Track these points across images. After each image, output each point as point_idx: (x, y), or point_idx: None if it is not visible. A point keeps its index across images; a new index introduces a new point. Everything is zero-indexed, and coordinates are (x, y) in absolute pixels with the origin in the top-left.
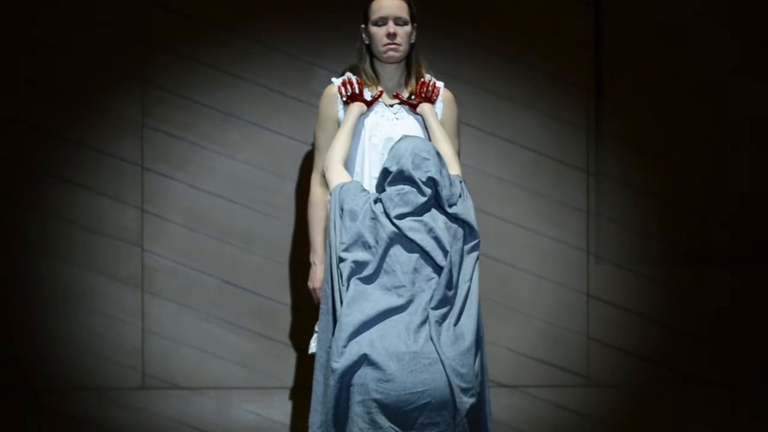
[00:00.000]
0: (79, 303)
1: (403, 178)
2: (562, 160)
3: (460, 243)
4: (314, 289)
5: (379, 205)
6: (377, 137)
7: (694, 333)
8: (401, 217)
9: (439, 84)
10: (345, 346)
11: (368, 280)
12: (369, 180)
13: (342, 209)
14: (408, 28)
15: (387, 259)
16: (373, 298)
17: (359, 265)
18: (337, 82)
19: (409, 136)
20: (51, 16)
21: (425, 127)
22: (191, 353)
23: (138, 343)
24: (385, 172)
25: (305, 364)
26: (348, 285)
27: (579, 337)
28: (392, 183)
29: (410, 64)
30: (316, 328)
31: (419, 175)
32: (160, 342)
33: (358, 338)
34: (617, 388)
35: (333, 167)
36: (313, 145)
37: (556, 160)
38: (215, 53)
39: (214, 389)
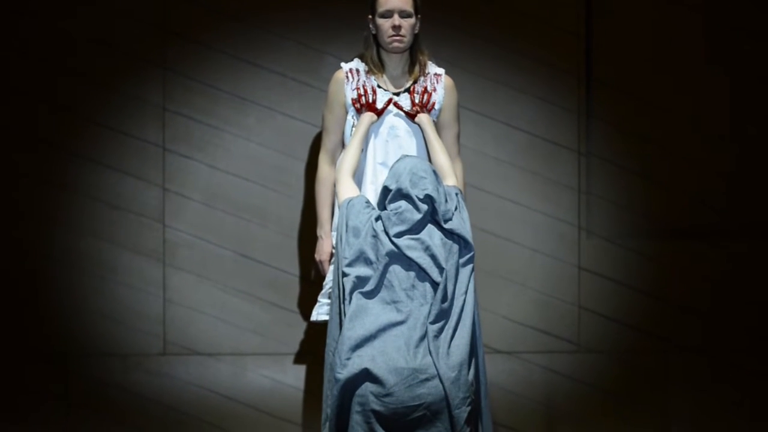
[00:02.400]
0: (104, 275)
1: (401, 195)
2: (554, 142)
3: (455, 257)
4: (321, 261)
5: (379, 223)
6: (381, 125)
7: (678, 303)
8: (399, 235)
9: (440, 71)
10: (348, 359)
11: (369, 294)
12: (373, 166)
13: (347, 225)
14: (412, 20)
15: (387, 275)
16: (374, 313)
17: (361, 280)
18: (345, 67)
19: (407, 156)
20: (80, 9)
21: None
22: (209, 321)
23: (160, 312)
24: (385, 190)
25: (315, 331)
26: (350, 299)
27: (571, 307)
28: (392, 200)
29: (414, 53)
30: (320, 298)
31: (416, 193)
32: (180, 311)
33: (360, 352)
34: (606, 354)
35: (342, 180)
36: (321, 126)
37: (550, 141)
38: (232, 42)
39: (231, 355)
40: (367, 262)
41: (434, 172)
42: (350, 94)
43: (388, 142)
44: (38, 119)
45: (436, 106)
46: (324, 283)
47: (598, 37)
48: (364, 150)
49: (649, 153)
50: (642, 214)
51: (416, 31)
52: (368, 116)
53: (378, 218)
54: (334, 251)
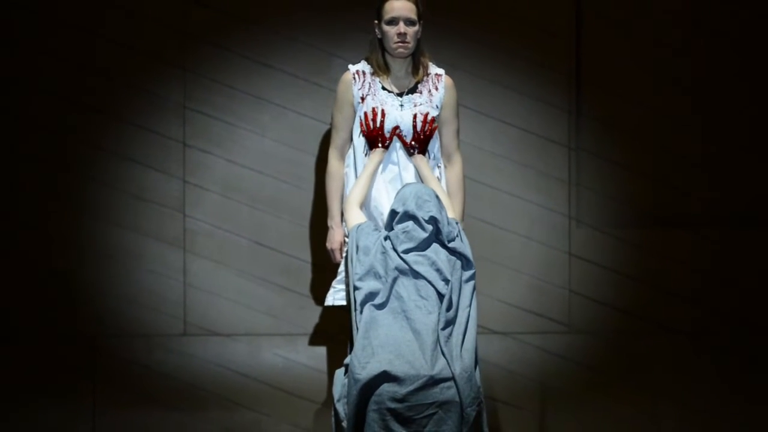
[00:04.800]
0: (129, 261)
1: (407, 217)
2: (546, 137)
3: (459, 272)
4: (332, 250)
5: (388, 241)
6: (387, 126)
7: (662, 287)
8: (407, 251)
9: (441, 71)
10: (368, 362)
11: (380, 306)
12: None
13: (358, 246)
14: (416, 27)
15: (396, 288)
16: (386, 323)
17: (372, 293)
18: (352, 68)
19: (412, 183)
20: (107, 15)
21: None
22: (227, 304)
23: (180, 296)
24: (392, 213)
25: (325, 314)
26: (362, 310)
27: (562, 291)
28: (399, 222)
29: (416, 56)
30: (334, 284)
31: (422, 215)
32: (199, 295)
33: (378, 357)
34: (595, 335)
35: (350, 209)
36: (331, 124)
37: (542, 137)
38: (247, 45)
39: (247, 336)
40: (377, 276)
41: (437, 196)
42: (357, 94)
43: (395, 140)
44: (68, 117)
45: (438, 104)
46: (339, 271)
47: (587, 41)
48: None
49: (634, 148)
50: (628, 204)
51: (419, 37)
52: (379, 152)
53: (386, 238)
54: (346, 245)
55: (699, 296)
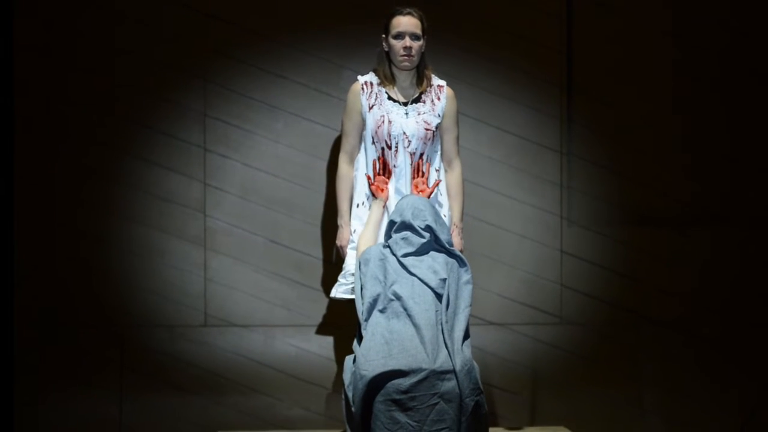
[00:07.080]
0: (154, 258)
1: (405, 226)
2: (540, 143)
3: (456, 273)
4: (341, 247)
5: (387, 249)
6: (392, 137)
7: (646, 281)
8: (406, 256)
9: (442, 83)
10: (373, 359)
11: (384, 309)
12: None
13: (360, 262)
14: (420, 41)
15: (395, 288)
16: (390, 322)
17: (375, 300)
18: (361, 79)
19: (408, 195)
20: (135, 30)
21: (425, 126)
22: (244, 298)
23: (201, 289)
24: (391, 224)
25: (335, 306)
26: (368, 317)
27: (554, 285)
28: (397, 231)
29: (420, 68)
30: (339, 278)
31: (418, 224)
32: (219, 289)
33: (383, 353)
34: (585, 326)
35: (360, 252)
36: (341, 130)
37: (536, 143)
38: (263, 58)
39: (262, 326)
40: (378, 280)
41: (432, 206)
42: (365, 103)
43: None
44: (98, 125)
45: (440, 113)
46: (343, 265)
47: (578, 54)
48: (374, 154)
49: (621, 152)
50: (615, 205)
51: (423, 50)
52: (379, 202)
53: (386, 246)
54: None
55: (682, 290)
